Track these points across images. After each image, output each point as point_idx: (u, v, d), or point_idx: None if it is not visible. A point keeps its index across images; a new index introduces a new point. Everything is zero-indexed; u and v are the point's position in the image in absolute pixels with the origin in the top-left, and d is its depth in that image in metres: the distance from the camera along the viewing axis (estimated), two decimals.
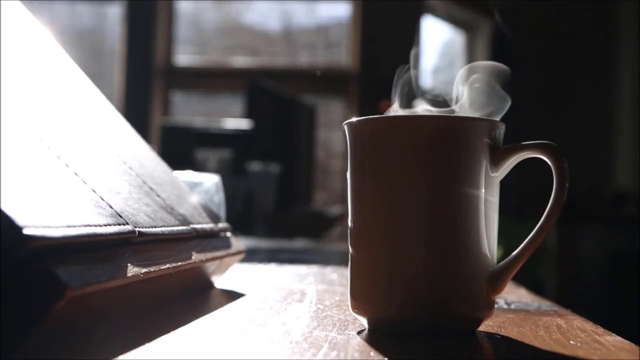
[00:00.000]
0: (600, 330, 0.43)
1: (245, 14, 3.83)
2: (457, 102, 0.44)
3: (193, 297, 0.53)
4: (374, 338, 0.39)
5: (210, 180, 0.73)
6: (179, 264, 0.46)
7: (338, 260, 1.01)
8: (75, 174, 0.40)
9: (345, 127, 0.43)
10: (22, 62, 0.49)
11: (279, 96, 2.57)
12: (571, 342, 0.38)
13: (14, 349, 0.29)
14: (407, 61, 0.44)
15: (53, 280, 0.29)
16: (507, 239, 0.80)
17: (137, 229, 0.41)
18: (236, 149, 2.15)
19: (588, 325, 0.44)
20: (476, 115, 0.44)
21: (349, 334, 0.39)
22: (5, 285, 0.29)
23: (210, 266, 0.56)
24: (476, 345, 0.38)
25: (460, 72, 0.44)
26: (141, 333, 0.36)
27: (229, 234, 0.64)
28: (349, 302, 0.42)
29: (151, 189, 0.52)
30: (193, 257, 0.49)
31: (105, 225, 0.37)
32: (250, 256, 0.91)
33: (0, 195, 0.29)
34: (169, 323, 0.40)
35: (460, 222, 0.39)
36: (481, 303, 0.40)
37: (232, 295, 0.55)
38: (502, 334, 0.41)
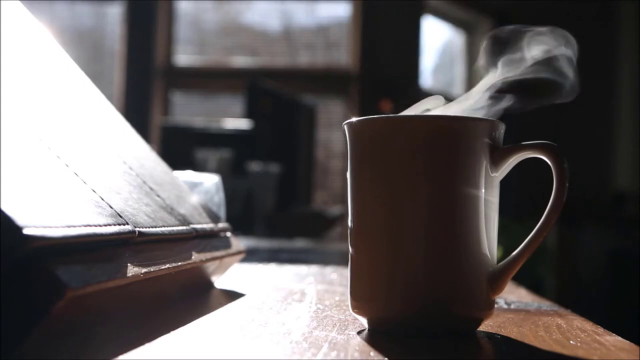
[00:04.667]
0: (600, 330, 0.43)
1: (245, 14, 3.83)
2: None
3: (193, 297, 0.53)
4: (374, 338, 0.39)
5: (210, 180, 0.73)
6: (179, 264, 0.46)
7: (338, 260, 1.01)
8: (75, 174, 0.40)
9: (345, 127, 0.43)
10: (22, 62, 0.49)
11: (279, 96, 2.57)
12: (571, 342, 0.38)
13: (14, 349, 0.29)
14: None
15: (53, 280, 0.29)
16: (507, 239, 0.80)
17: (137, 229, 0.41)
18: (236, 149, 2.15)
19: (588, 325, 0.44)
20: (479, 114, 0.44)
21: (349, 334, 0.39)
22: (5, 285, 0.29)
23: (210, 266, 0.56)
24: (476, 345, 0.38)
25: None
26: (141, 333, 0.36)
27: (229, 234, 0.64)
28: (349, 302, 0.42)
29: (151, 189, 0.52)
30: (193, 257, 0.49)
31: (105, 225, 0.37)
32: (250, 256, 0.91)
33: (0, 195, 0.29)
34: (169, 323, 0.40)
35: (460, 222, 0.39)
36: (481, 303, 0.40)
37: (232, 295, 0.55)
38: (502, 334, 0.41)
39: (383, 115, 0.42)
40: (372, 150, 0.41)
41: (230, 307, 0.49)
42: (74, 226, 0.33)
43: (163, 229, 0.46)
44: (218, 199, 0.71)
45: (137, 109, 3.50)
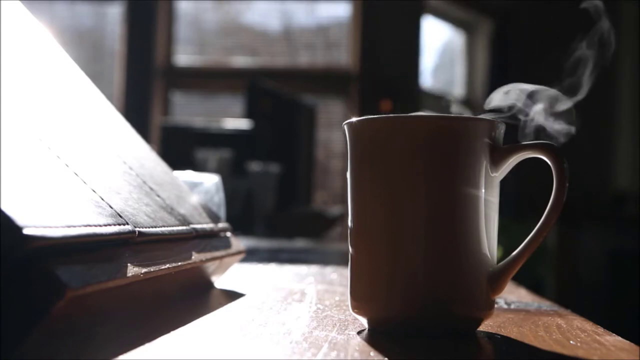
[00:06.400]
0: (600, 330, 0.43)
1: (245, 14, 3.83)
2: None
3: (193, 297, 0.53)
4: (374, 338, 0.39)
5: (210, 180, 0.73)
6: (179, 264, 0.46)
7: (338, 260, 1.01)
8: (75, 174, 0.40)
9: (345, 127, 0.43)
10: (22, 62, 0.49)
11: (279, 96, 2.57)
12: (571, 342, 0.38)
13: (14, 349, 0.29)
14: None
15: (53, 280, 0.29)
16: (507, 239, 0.80)
17: (137, 229, 0.41)
18: (236, 149, 2.15)
19: (588, 325, 0.44)
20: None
21: (349, 334, 0.39)
22: (5, 285, 0.29)
23: (210, 266, 0.56)
24: (476, 345, 0.38)
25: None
26: (141, 333, 0.36)
27: (229, 234, 0.64)
28: (349, 302, 0.42)
29: (151, 189, 0.52)
30: (193, 257, 0.49)
31: (105, 225, 0.37)
32: (250, 256, 0.91)
33: (0, 195, 0.29)
34: (169, 323, 0.40)
35: (460, 222, 0.39)
36: (481, 303, 0.40)
37: (232, 295, 0.55)
38: (502, 334, 0.41)
39: (383, 115, 0.42)
40: (372, 150, 0.41)
41: (230, 307, 0.49)
42: (74, 226, 0.33)
43: (163, 229, 0.46)
44: (218, 199, 0.71)
45: (137, 109, 3.50)
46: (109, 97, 0.63)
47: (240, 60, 3.71)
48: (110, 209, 0.40)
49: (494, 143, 0.41)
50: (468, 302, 0.40)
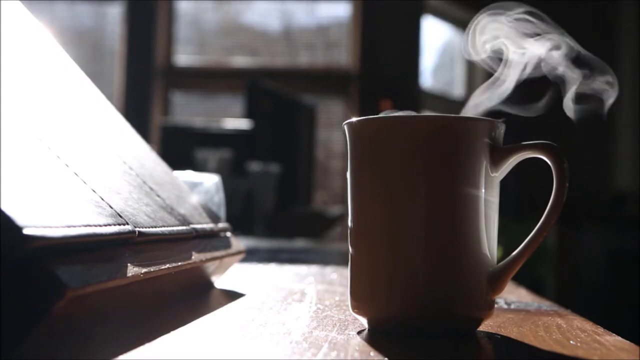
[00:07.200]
0: (600, 330, 0.43)
1: (245, 14, 3.83)
2: None
3: (193, 297, 0.53)
4: (374, 338, 0.39)
5: (210, 180, 0.73)
6: (179, 264, 0.46)
7: (338, 260, 1.01)
8: (75, 174, 0.40)
9: (345, 127, 0.43)
10: (22, 62, 0.49)
11: (279, 96, 2.57)
12: (571, 342, 0.38)
13: (14, 349, 0.29)
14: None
15: (53, 280, 0.29)
16: (507, 239, 0.80)
17: (137, 229, 0.41)
18: (236, 149, 2.15)
19: (588, 325, 0.44)
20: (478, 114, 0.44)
21: (349, 334, 0.39)
22: (5, 285, 0.29)
23: (210, 266, 0.56)
24: (476, 345, 0.38)
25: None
26: (141, 333, 0.36)
27: (229, 234, 0.64)
28: (349, 302, 0.42)
29: (151, 189, 0.52)
30: (193, 257, 0.49)
31: (105, 225, 0.37)
32: (250, 256, 0.91)
33: (0, 195, 0.29)
34: (169, 323, 0.40)
35: (460, 222, 0.39)
36: (481, 303, 0.40)
37: (232, 295, 0.55)
38: (502, 334, 0.41)
39: (383, 115, 0.42)
40: (372, 150, 0.41)
41: (230, 307, 0.49)
42: (74, 226, 0.33)
43: (163, 229, 0.46)
44: (218, 199, 0.71)
45: (137, 109, 3.50)
46: (109, 97, 0.63)
47: (240, 60, 3.71)
48: (110, 209, 0.40)
49: (494, 143, 0.41)
50: (468, 302, 0.40)
